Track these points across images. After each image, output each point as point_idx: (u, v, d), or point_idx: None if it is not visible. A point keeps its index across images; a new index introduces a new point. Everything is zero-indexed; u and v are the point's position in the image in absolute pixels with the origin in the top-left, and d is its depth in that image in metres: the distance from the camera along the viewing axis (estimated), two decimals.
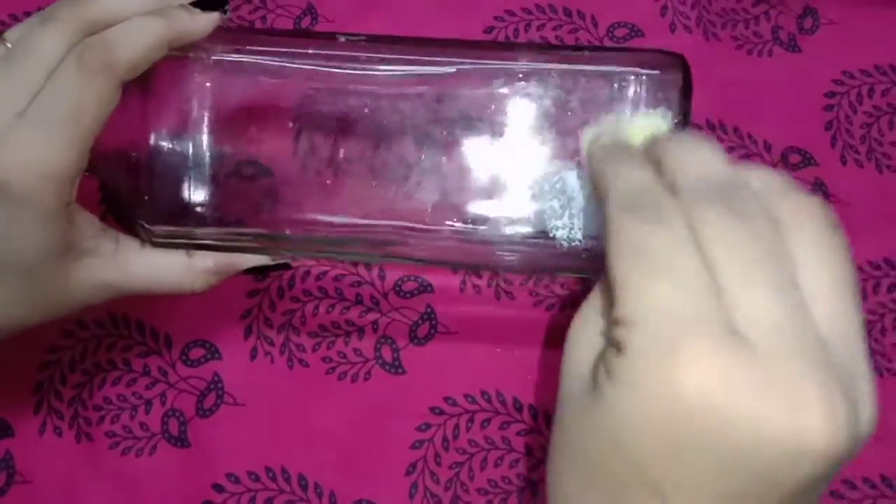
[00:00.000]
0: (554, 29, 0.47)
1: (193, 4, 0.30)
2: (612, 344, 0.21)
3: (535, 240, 0.31)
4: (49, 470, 0.39)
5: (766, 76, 0.46)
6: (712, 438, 0.19)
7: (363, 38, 0.31)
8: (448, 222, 0.31)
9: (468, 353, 0.41)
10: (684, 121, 0.29)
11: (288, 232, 0.32)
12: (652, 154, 0.24)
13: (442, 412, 0.40)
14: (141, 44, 0.28)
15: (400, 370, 0.41)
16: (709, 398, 0.19)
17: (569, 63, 0.31)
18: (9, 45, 0.28)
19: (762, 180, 0.22)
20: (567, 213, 0.30)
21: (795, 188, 0.22)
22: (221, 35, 0.30)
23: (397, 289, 0.42)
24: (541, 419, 0.40)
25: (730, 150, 0.45)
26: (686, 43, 0.46)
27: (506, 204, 0.31)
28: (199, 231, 0.32)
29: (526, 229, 0.31)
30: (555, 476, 0.24)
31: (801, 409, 0.19)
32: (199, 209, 0.31)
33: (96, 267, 0.30)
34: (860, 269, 0.43)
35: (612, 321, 0.21)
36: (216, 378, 0.40)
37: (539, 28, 0.47)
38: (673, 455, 0.20)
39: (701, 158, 0.22)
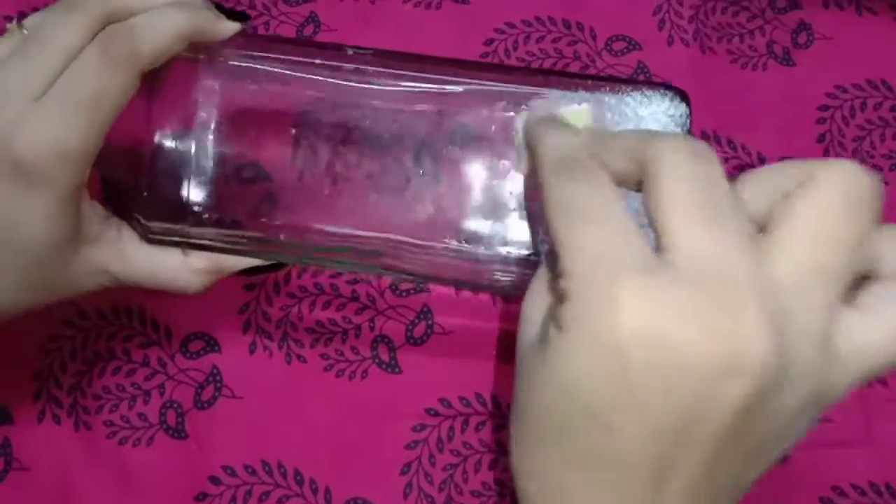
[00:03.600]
0: (553, 41, 0.48)
1: (217, 9, 0.31)
2: (557, 296, 0.22)
3: (530, 264, 0.31)
4: (47, 458, 0.39)
5: (761, 89, 0.47)
6: (649, 368, 0.20)
7: (370, 52, 0.32)
8: (442, 239, 0.32)
9: (464, 356, 0.42)
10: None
11: (282, 237, 0.32)
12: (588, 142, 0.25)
13: (437, 413, 0.41)
14: (165, 35, 0.29)
15: (396, 370, 0.42)
16: (644, 330, 0.20)
17: (574, 88, 0.31)
18: (25, 31, 0.29)
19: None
20: None
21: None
22: (233, 39, 0.31)
23: (393, 287, 0.42)
24: None
25: (724, 160, 0.46)
26: (683, 56, 0.47)
27: (501, 225, 0.31)
28: (194, 231, 0.32)
29: (520, 252, 0.31)
30: (515, 440, 0.25)
31: (732, 334, 0.20)
32: (195, 209, 0.32)
33: (99, 254, 0.31)
34: None
35: (556, 276, 0.22)
36: (215, 371, 0.41)
37: (538, 40, 0.48)
38: (617, 390, 0.21)
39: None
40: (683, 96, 0.31)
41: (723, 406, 0.20)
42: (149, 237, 0.32)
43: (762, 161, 0.46)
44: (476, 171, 0.32)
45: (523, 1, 0.48)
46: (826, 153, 0.46)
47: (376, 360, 0.42)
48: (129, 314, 0.41)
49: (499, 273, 0.32)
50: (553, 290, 0.24)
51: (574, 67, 0.47)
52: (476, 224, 0.32)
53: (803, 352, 0.21)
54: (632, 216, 0.22)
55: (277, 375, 0.41)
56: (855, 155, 0.46)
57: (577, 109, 0.30)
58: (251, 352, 0.41)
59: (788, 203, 0.21)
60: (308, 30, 0.47)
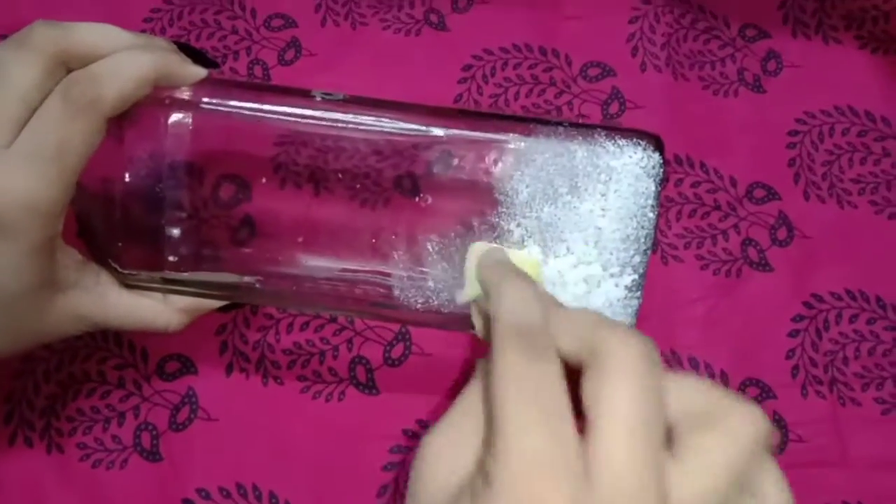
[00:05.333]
0: (529, 67, 0.49)
1: (185, 52, 0.31)
2: (481, 470, 0.22)
3: None
4: (18, 481, 0.39)
5: (732, 115, 0.48)
6: None
7: (339, 97, 0.32)
8: (418, 271, 0.32)
9: (442, 377, 0.42)
10: (657, 203, 0.31)
11: (258, 286, 0.32)
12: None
13: (415, 435, 0.41)
14: (129, 81, 0.28)
15: (374, 391, 0.42)
16: None
17: (546, 136, 0.31)
18: None
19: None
20: None
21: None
22: (201, 83, 0.31)
23: None
24: None
25: (697, 184, 0.46)
26: (656, 82, 0.48)
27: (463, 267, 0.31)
28: (172, 277, 0.32)
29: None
30: None
31: None
32: (171, 258, 0.32)
33: (76, 300, 0.31)
34: (823, 300, 0.45)
35: (486, 446, 0.22)
36: (191, 392, 0.41)
37: (515, 66, 0.49)
38: None
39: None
40: (658, 144, 0.31)
41: None
42: (126, 283, 0.32)
43: (734, 184, 0.46)
44: (449, 209, 0.32)
45: (501, 28, 0.49)
46: (797, 177, 0.47)
47: (354, 382, 0.42)
48: (105, 336, 0.41)
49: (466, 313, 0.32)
50: (478, 455, 0.23)
51: (550, 93, 0.48)
52: (443, 264, 0.32)
53: None
54: None
55: (254, 397, 0.41)
56: (824, 179, 0.47)
57: (528, 257, 0.30)
58: (228, 373, 0.41)
59: (702, 438, 0.22)
60: (289, 54, 0.48)
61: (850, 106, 0.48)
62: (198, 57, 0.31)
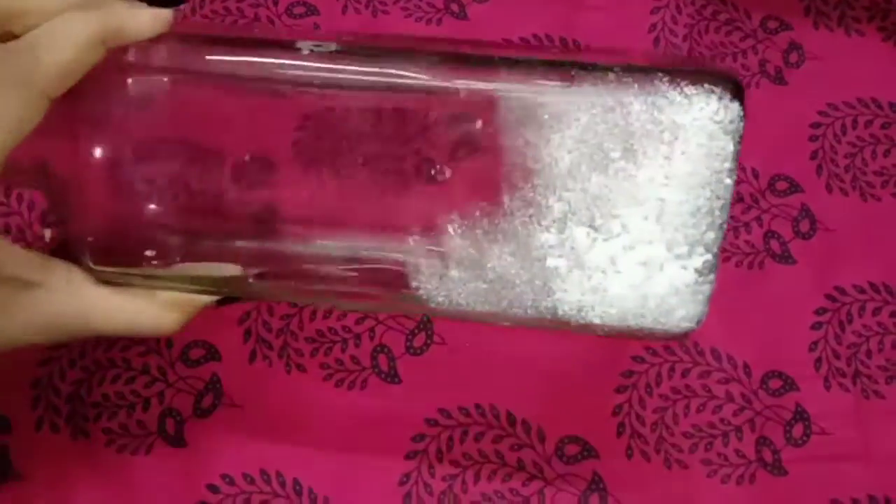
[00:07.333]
0: None
1: None
2: None
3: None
4: (44, 466, 0.39)
5: (754, 107, 0.47)
6: None
7: (332, 48, 0.27)
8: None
9: (463, 365, 0.42)
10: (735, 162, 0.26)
11: (251, 280, 0.28)
12: None
13: (436, 423, 0.41)
14: (66, 48, 0.23)
15: (396, 379, 0.42)
16: None
17: (592, 86, 0.25)
18: None
19: None
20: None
21: None
22: (173, 40, 0.26)
23: None
24: (533, 434, 0.41)
25: None
26: None
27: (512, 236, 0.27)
28: (151, 272, 0.28)
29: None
30: None
31: None
32: (150, 248, 0.28)
33: (43, 302, 0.26)
34: (846, 293, 0.44)
35: None
36: (215, 379, 0.41)
37: None
38: None
39: None
40: (737, 90, 0.25)
41: None
42: (105, 281, 0.28)
43: (756, 176, 0.46)
44: (472, 183, 0.27)
45: (521, 19, 0.49)
46: (819, 170, 0.47)
47: (376, 370, 0.42)
48: None
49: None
50: None
51: None
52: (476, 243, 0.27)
53: None
54: None
55: (277, 384, 0.41)
56: (847, 171, 0.47)
57: None
58: (251, 361, 0.41)
59: None
60: None
61: (873, 98, 0.48)
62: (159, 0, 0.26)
